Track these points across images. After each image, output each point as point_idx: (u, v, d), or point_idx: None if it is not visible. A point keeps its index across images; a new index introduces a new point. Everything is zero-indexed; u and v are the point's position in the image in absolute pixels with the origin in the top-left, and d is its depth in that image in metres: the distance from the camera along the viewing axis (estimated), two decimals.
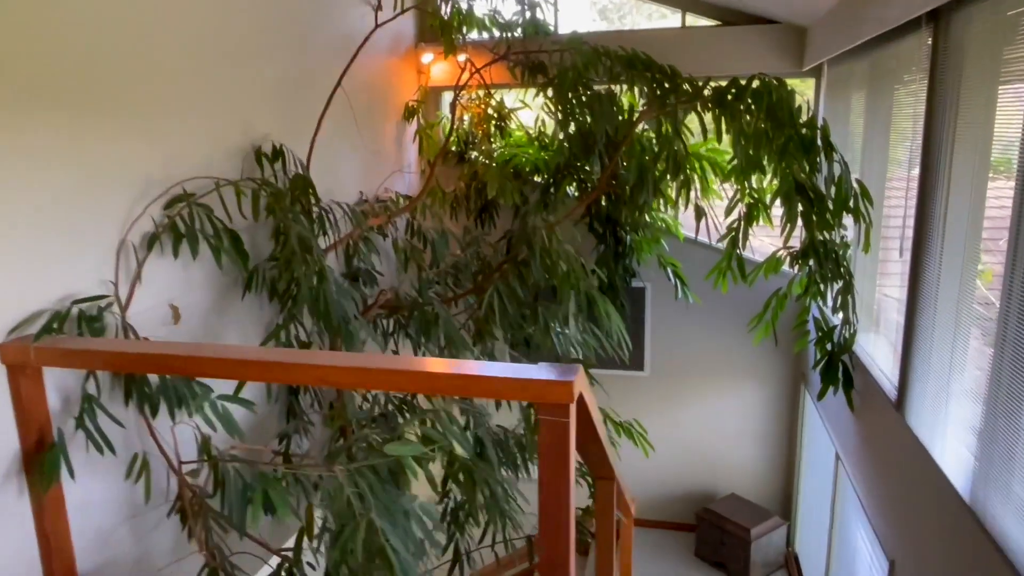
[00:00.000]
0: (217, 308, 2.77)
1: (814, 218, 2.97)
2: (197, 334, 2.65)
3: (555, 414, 1.54)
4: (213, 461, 1.80)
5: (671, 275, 4.67)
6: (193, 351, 1.66)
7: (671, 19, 5.10)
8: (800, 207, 2.96)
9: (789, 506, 5.31)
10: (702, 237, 5.07)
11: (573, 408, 1.55)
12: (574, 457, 1.61)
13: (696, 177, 3.96)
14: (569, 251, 2.44)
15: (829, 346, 3.37)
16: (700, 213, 3.60)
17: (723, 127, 3.41)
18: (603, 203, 4.19)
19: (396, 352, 3.56)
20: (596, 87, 3.89)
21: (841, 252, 3.23)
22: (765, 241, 4.98)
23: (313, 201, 3.07)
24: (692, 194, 3.77)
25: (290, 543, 2.00)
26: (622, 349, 2.81)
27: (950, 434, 2.46)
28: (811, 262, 3.26)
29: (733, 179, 3.57)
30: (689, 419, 5.41)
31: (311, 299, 2.37)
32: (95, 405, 2.05)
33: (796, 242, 3.33)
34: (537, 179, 4.87)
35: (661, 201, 3.82)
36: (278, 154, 3.07)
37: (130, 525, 2.34)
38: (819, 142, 3.07)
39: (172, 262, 2.51)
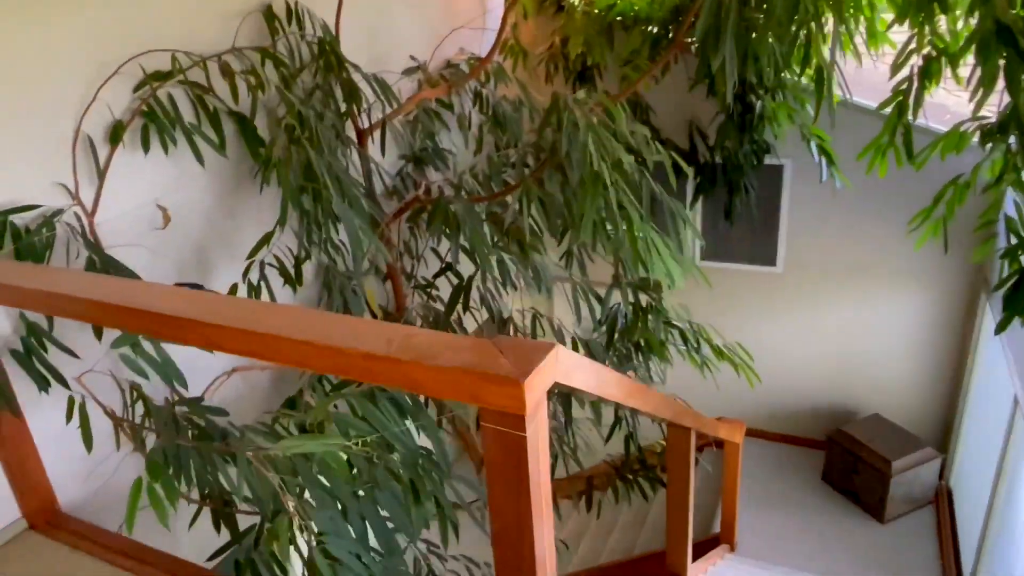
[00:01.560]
0: (225, 207, 2.38)
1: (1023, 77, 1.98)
2: (198, 239, 2.30)
3: (503, 423, 0.98)
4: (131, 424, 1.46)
5: (815, 151, 3.68)
6: (48, 284, 1.24)
7: None
8: (1002, 60, 1.97)
9: (947, 436, 4.41)
10: (862, 99, 3.95)
11: (536, 418, 0.99)
12: (544, 478, 1.06)
13: (858, 17, 2.90)
14: (610, 140, 1.74)
15: None
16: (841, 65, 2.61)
17: None
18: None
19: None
20: None
21: None
22: (949, 105, 3.79)
23: (345, 74, 2.52)
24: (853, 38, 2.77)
25: None
26: (659, 290, 2.14)
27: None
28: (1011, 139, 2.26)
29: (907, 19, 2.53)
30: (829, 325, 4.54)
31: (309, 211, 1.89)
32: (42, 337, 1.76)
33: (991, 111, 2.32)
34: (648, 30, 3.94)
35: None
36: (293, 15, 2.51)
37: (119, 455, 2.14)
38: None
39: (160, 155, 2.11)
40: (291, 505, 1.25)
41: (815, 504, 4.37)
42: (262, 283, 2.04)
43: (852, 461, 4.19)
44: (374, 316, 2.31)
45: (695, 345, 2.73)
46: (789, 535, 4.14)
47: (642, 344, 2.43)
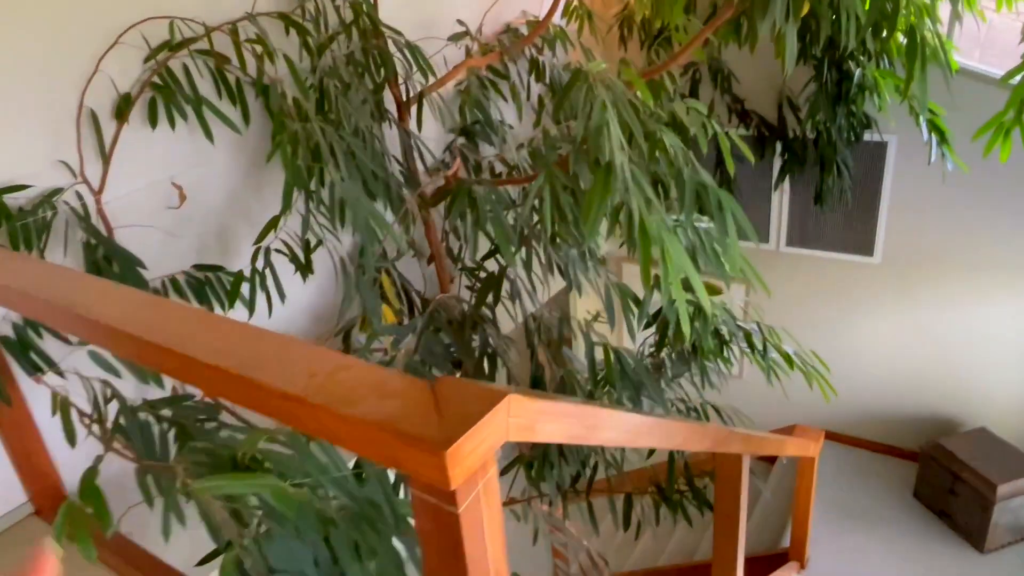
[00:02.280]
0: (250, 184, 2.26)
1: None
2: (219, 219, 2.19)
3: (433, 495, 0.77)
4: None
5: (925, 127, 3.19)
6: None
7: None
8: None
9: None
10: (987, 66, 3.39)
11: (480, 487, 0.77)
12: (495, 561, 0.84)
13: None
14: (646, 121, 1.44)
15: None
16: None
17: None
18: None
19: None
20: None
21: None
22: None
23: (378, 41, 2.33)
24: None
25: None
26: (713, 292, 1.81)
27: None
28: None
29: None
30: (932, 324, 4.02)
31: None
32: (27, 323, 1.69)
33: None
34: None
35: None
36: None
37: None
38: None
39: (176, 130, 1.99)
40: (243, 540, 1.10)
41: (903, 523, 3.92)
42: (268, 271, 1.90)
43: (950, 479, 3.71)
44: (390, 307, 2.14)
45: (761, 350, 2.40)
46: (870, 555, 3.73)
47: (697, 348, 2.14)
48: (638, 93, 1.73)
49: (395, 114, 2.60)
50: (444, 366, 2.05)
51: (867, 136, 3.64)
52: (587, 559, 2.40)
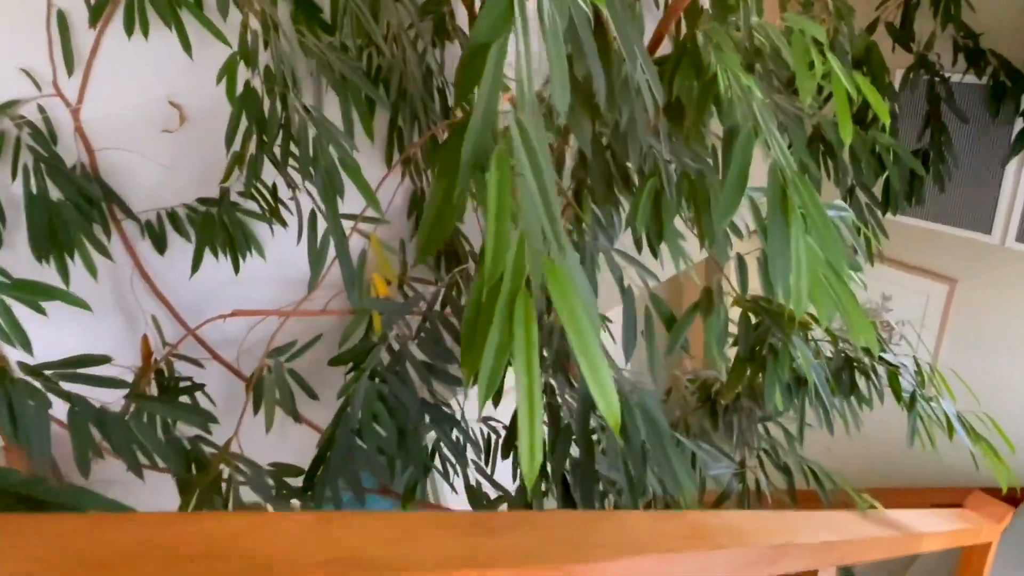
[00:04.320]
0: None
1: None
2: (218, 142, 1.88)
3: None
4: None
5: None
6: None
7: None
8: None
9: None
10: None
11: None
12: None
13: None
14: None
15: None
16: None
17: None
18: None
19: None
20: None
21: None
22: None
23: None
24: None
25: None
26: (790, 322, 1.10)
27: None
28: None
29: None
30: None
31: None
32: None
33: None
34: None
35: None
36: None
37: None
38: None
39: (169, 40, 1.69)
40: None
41: None
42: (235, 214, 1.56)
43: None
44: (381, 275, 1.71)
45: (908, 397, 1.67)
46: None
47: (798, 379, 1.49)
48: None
49: (467, 30, 2.11)
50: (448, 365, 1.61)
51: None
52: None
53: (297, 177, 1.62)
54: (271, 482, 1.53)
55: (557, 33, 0.74)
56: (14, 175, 1.51)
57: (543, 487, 1.42)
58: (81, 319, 1.79)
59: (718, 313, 1.15)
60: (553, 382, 1.40)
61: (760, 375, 1.21)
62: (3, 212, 1.52)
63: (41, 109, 1.56)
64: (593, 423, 1.27)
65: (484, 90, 0.60)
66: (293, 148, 1.36)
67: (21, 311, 1.27)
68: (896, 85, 3.17)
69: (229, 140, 1.36)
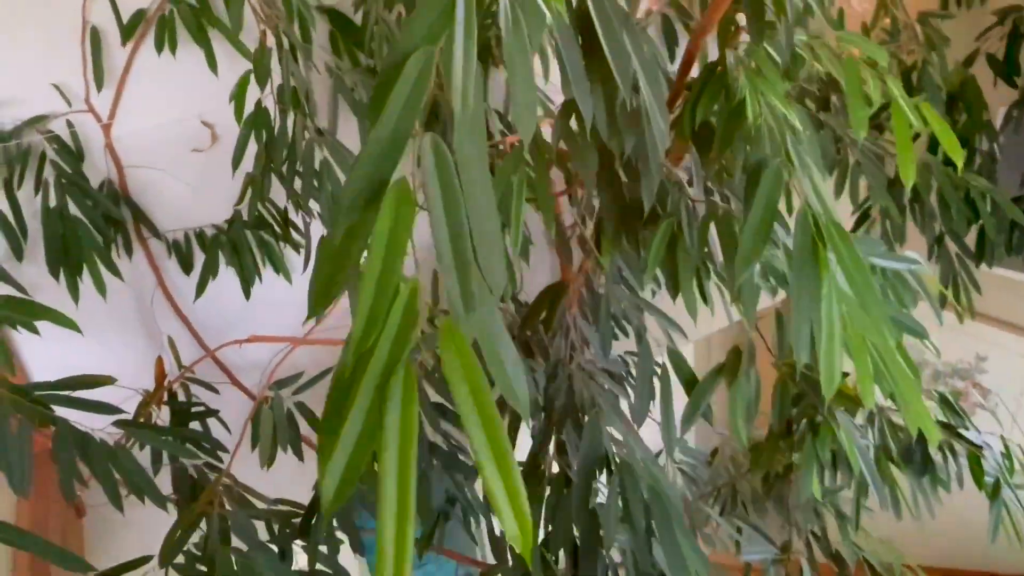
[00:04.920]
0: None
1: None
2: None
3: None
4: None
5: None
6: None
7: None
8: None
9: None
10: None
11: None
12: None
13: None
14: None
15: None
16: None
17: None
18: None
19: None
20: None
21: None
22: None
23: None
24: None
25: None
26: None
27: None
28: None
29: None
30: None
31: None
32: None
33: None
34: None
35: None
36: None
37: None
38: None
39: (200, 59, 1.67)
40: None
41: None
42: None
43: None
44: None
45: (992, 481, 1.42)
46: None
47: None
48: None
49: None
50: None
51: None
52: None
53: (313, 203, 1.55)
54: (272, 520, 1.44)
55: (523, 45, 0.61)
56: (37, 189, 1.50)
57: (547, 556, 1.26)
58: (101, 336, 1.78)
59: (747, 378, 0.97)
60: (564, 439, 1.25)
61: (796, 454, 1.02)
62: (25, 226, 1.52)
63: (70, 124, 1.56)
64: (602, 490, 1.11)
65: (393, 109, 0.48)
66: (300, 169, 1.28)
67: (45, 327, 1.22)
68: (997, 124, 2.86)
69: (236, 161, 1.31)
